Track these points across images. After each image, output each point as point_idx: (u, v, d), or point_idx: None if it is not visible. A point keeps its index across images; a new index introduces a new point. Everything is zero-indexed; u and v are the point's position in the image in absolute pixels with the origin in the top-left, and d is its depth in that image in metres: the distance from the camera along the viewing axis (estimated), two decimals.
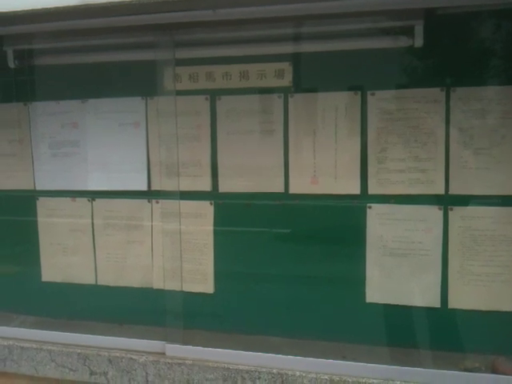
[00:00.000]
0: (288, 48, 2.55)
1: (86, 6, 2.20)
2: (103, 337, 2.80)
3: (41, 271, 3.05)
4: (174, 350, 2.65)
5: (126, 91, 2.76)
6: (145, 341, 2.72)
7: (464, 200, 2.39)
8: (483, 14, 2.31)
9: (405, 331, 2.54)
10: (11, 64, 2.89)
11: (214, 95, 2.66)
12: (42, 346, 2.79)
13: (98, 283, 2.96)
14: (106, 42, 2.68)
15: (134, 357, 2.64)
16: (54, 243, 3.01)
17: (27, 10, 2.26)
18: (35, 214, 3.03)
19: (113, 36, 2.63)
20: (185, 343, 2.66)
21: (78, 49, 2.76)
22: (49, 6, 2.23)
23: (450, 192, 2.39)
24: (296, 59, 2.54)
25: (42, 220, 3.03)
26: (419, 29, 2.30)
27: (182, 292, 2.76)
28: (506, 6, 2.19)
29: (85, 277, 2.98)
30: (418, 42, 2.32)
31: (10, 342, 2.84)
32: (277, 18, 2.36)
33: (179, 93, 2.66)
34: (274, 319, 2.68)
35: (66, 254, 3.00)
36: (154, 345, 2.70)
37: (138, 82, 2.74)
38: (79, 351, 2.73)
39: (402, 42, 2.35)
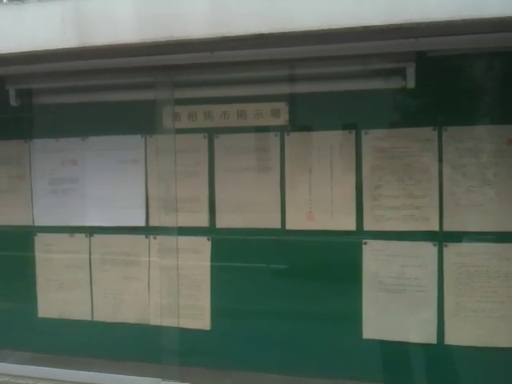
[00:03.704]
0: (284, 88, 2.63)
1: (87, 48, 2.26)
2: (98, 373, 2.78)
3: (37, 307, 3.04)
4: None
5: (126, 129, 2.81)
6: (140, 378, 2.71)
7: (458, 236, 2.42)
8: (473, 56, 2.38)
9: (402, 367, 2.53)
10: (13, 102, 2.94)
11: (212, 133, 2.71)
12: (37, 383, 2.77)
13: (95, 319, 2.95)
14: (106, 82, 2.74)
15: None
16: (51, 279, 3.01)
17: (29, 52, 2.31)
18: (33, 250, 3.03)
19: (113, 76, 2.69)
20: (181, 380, 2.65)
21: (78, 88, 2.83)
22: (50, 48, 2.28)
23: (445, 229, 2.42)
24: (292, 99, 2.61)
25: (39, 255, 3.03)
26: (411, 70, 2.36)
27: (179, 328, 2.75)
28: (494, 48, 2.26)
29: (81, 313, 2.96)
30: (410, 83, 2.38)
31: (6, 379, 2.82)
32: (273, 60, 2.43)
33: (178, 131, 2.71)
34: (270, 356, 2.66)
35: (63, 290, 2.99)
36: (150, 382, 2.68)
37: (138, 120, 2.79)
38: None
39: (395, 83, 2.42)
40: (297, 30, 1.96)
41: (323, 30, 1.93)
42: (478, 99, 2.40)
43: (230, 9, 2.02)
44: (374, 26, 1.90)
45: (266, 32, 2.00)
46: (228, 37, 2.05)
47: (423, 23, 1.84)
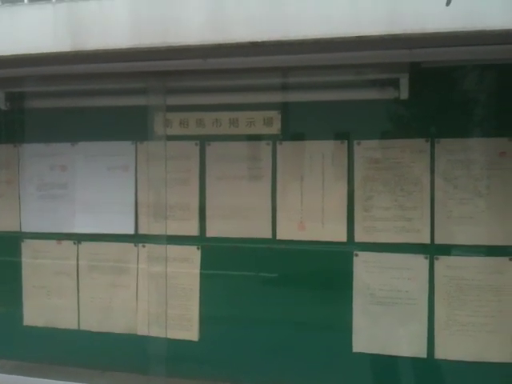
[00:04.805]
0: (277, 97, 2.61)
1: (79, 53, 2.24)
2: None
3: (23, 314, 2.99)
4: None
5: (116, 135, 2.79)
6: None
7: (449, 249, 2.40)
8: (466, 68, 2.39)
9: (392, 382, 2.50)
10: (2, 106, 2.92)
11: (203, 141, 2.69)
12: None
13: (81, 328, 2.90)
14: (97, 87, 2.72)
15: None
16: (38, 286, 2.96)
17: (20, 55, 2.28)
18: (19, 256, 2.98)
19: (104, 81, 2.67)
20: None
21: (69, 93, 2.80)
22: (41, 52, 2.26)
23: (436, 241, 2.40)
24: (285, 108, 2.59)
25: (26, 262, 2.98)
26: (404, 81, 2.36)
27: (167, 339, 2.71)
28: (487, 61, 2.27)
29: (67, 321, 2.91)
30: (403, 93, 2.37)
31: None
32: (266, 68, 2.42)
33: (169, 138, 2.69)
34: (259, 367, 2.62)
35: (50, 298, 2.95)
36: None
37: (129, 126, 2.76)
38: None
39: (388, 93, 2.41)
40: (293, 38, 1.95)
41: (319, 39, 1.93)
42: (471, 111, 2.40)
43: (225, 16, 2.01)
44: (368, 37, 1.90)
45: (261, 40, 1.99)
46: (223, 44, 2.04)
47: (418, 34, 1.84)
